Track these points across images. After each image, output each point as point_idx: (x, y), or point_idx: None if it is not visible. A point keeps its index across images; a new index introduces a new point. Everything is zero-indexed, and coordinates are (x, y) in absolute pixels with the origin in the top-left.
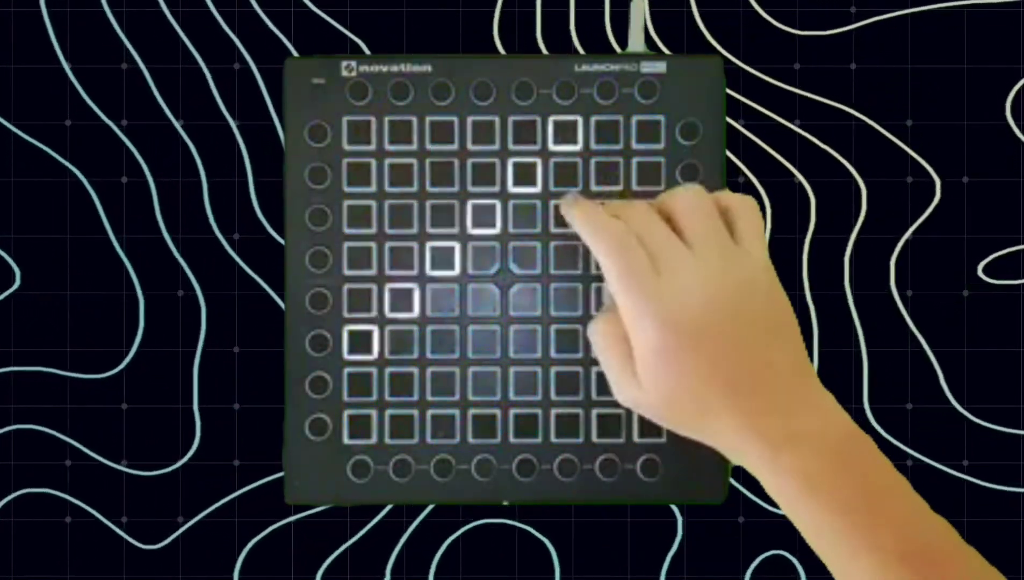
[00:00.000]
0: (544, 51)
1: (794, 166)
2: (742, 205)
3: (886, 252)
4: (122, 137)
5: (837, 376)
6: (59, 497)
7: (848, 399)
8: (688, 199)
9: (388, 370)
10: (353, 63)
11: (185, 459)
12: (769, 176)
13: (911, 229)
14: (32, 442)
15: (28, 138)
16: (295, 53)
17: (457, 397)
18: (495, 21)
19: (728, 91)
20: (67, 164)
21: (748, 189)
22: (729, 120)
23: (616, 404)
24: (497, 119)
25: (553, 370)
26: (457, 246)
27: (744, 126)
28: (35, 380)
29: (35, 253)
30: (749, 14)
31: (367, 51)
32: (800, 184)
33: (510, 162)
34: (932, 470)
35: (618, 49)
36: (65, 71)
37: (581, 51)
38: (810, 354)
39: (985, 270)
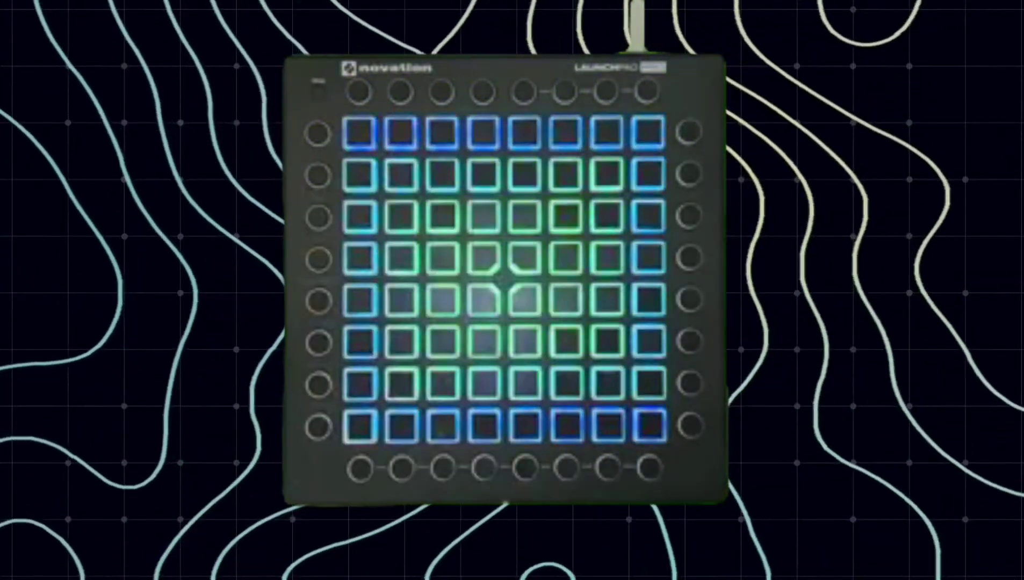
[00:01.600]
0: (537, 51)
1: (794, 165)
2: None
3: (886, 253)
4: (114, 138)
5: (838, 376)
6: (58, 496)
7: (848, 398)
8: None
9: (388, 370)
10: (353, 63)
11: (185, 459)
12: (769, 176)
13: (929, 236)
14: (31, 442)
15: (27, 134)
16: (305, 51)
17: (457, 397)
18: (458, 19)
19: (728, 90)
20: (56, 167)
21: (748, 189)
22: (730, 113)
23: (616, 404)
24: (497, 119)
25: (553, 370)
26: (457, 246)
27: (744, 126)
28: (34, 380)
29: (35, 253)
30: (750, 14)
31: (378, 33)
32: (800, 184)
33: (510, 162)
34: (932, 470)
35: (630, 44)
36: (65, 71)
37: (585, 51)
38: (817, 355)
39: (1005, 270)
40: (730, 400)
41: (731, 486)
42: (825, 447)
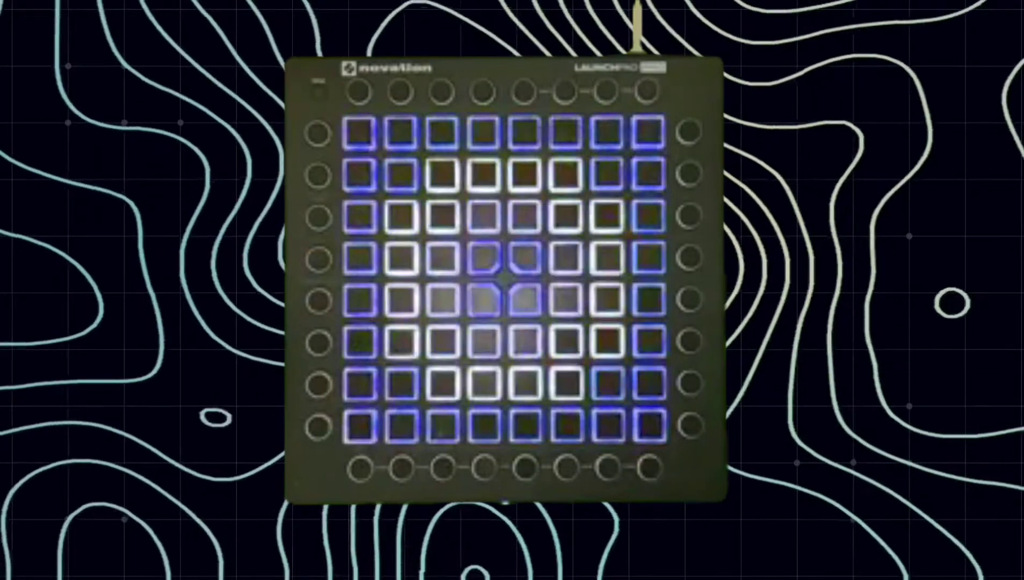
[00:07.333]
0: (543, 52)
1: (793, 168)
2: None
3: (885, 254)
4: (114, 136)
5: (839, 376)
6: (59, 496)
7: (849, 399)
8: None
9: (388, 370)
10: (353, 63)
11: (185, 459)
12: (769, 177)
13: (929, 234)
14: (33, 442)
15: (26, 158)
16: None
17: (457, 397)
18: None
19: (728, 91)
20: (68, 177)
21: (748, 188)
22: (729, 113)
23: (616, 404)
24: (497, 119)
25: (553, 370)
26: (457, 246)
27: (743, 127)
28: (34, 380)
29: (35, 253)
30: (750, 14)
31: (378, 33)
32: (800, 185)
33: (510, 162)
34: (932, 470)
35: (621, 49)
36: (65, 71)
37: (580, 51)
38: (817, 355)
39: (970, 283)
40: (730, 401)
41: (731, 486)
42: (824, 447)
